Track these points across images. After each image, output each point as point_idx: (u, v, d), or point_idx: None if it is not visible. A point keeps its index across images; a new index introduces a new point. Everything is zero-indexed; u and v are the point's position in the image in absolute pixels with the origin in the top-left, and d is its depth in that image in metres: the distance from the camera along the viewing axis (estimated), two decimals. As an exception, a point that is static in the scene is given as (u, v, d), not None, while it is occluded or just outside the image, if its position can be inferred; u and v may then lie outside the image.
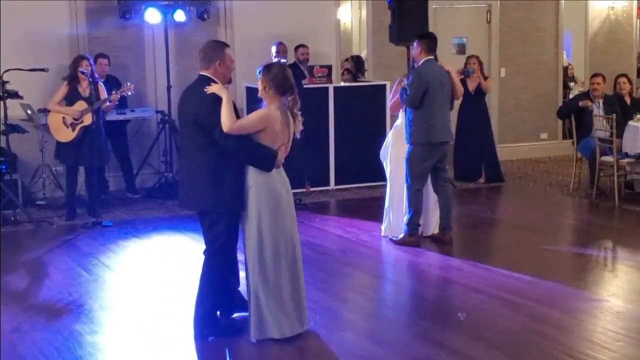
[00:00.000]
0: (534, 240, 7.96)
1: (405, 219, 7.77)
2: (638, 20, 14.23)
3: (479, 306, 5.98)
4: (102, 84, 9.13)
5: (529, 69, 13.24)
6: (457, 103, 11.43)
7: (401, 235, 7.79)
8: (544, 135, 13.43)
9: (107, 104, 8.99)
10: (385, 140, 8.26)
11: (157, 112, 10.55)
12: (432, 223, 8.02)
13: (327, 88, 10.51)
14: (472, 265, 7.07)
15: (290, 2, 11.24)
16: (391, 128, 8.61)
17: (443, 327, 5.59)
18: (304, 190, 10.14)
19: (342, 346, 5.29)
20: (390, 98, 8.31)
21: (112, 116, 9.69)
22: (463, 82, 10.57)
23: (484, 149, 11.10)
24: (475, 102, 11.10)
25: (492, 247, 7.89)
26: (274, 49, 9.61)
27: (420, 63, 7.69)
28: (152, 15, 10.10)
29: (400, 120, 8.00)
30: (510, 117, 13.17)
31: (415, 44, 7.76)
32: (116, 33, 10.53)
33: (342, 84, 11.26)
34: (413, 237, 7.72)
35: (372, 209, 9.32)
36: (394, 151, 7.98)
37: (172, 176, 10.26)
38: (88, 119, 8.72)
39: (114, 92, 9.09)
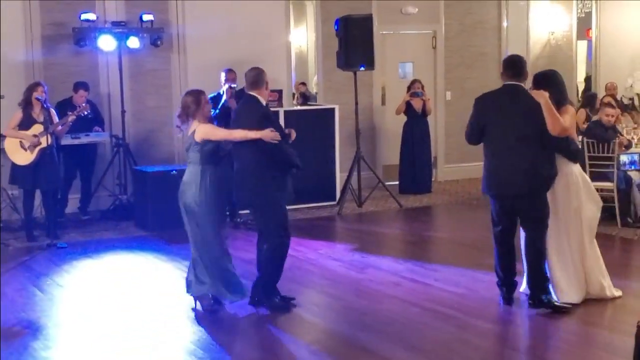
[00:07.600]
0: (471, 257, 8.36)
1: None
2: (577, 44, 14.82)
3: (414, 319, 6.35)
4: (53, 109, 9.36)
5: (473, 92, 13.68)
6: (404, 122, 12.21)
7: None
8: (488, 156, 13.86)
9: (59, 127, 9.21)
10: None
11: (111, 136, 10.81)
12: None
13: (277, 112, 10.88)
14: (411, 281, 7.46)
15: (241, 29, 11.61)
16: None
17: (380, 338, 5.94)
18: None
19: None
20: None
21: (67, 140, 9.87)
22: (409, 103, 12.22)
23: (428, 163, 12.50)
24: (421, 121, 12.28)
25: (431, 264, 8.24)
26: (223, 76, 9.93)
27: None
28: (106, 42, 10.41)
29: None
30: (455, 138, 13.62)
31: None
32: (71, 59, 10.80)
33: (297, 107, 11.78)
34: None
35: (321, 229, 9.80)
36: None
37: (126, 198, 10.53)
38: (45, 142, 8.96)
39: (69, 113, 9.33)
